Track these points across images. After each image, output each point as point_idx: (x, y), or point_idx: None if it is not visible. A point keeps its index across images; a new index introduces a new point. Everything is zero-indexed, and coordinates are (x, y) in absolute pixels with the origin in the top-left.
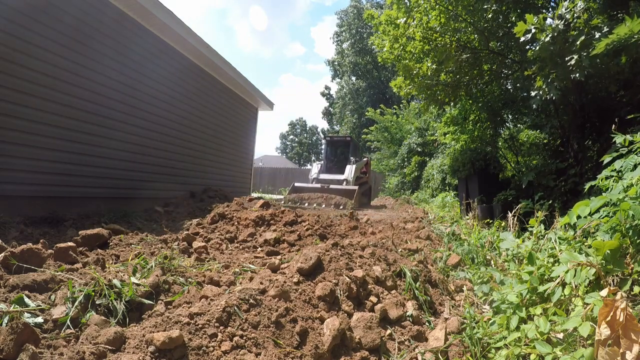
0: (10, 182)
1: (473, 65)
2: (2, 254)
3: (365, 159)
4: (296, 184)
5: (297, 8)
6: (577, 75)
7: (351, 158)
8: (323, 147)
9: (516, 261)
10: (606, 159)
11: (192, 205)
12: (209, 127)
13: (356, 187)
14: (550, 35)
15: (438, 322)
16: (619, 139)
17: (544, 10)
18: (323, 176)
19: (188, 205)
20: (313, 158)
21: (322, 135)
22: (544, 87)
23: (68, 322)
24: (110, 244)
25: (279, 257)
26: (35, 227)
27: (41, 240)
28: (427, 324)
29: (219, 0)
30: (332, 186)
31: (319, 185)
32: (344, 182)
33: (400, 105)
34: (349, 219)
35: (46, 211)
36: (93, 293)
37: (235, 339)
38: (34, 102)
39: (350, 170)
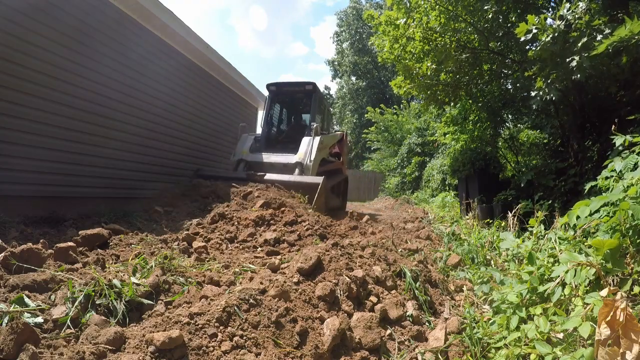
0: (10, 182)
1: (473, 65)
2: (2, 254)
3: (339, 133)
4: (204, 172)
5: (298, 8)
6: (578, 76)
7: (313, 124)
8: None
9: (516, 261)
10: (608, 164)
11: (192, 205)
12: (209, 126)
13: (320, 179)
14: (551, 36)
15: (438, 322)
16: (618, 140)
17: (544, 11)
18: (257, 156)
19: (188, 205)
20: (241, 124)
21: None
22: (544, 87)
23: (68, 322)
24: (110, 244)
25: (279, 257)
26: (35, 227)
27: (41, 240)
28: (427, 324)
29: (221, 0)
30: (270, 176)
31: (244, 175)
32: (297, 169)
33: (400, 105)
34: (349, 219)
35: (46, 211)
36: (93, 293)
37: (235, 338)
38: (34, 102)
39: (308, 146)
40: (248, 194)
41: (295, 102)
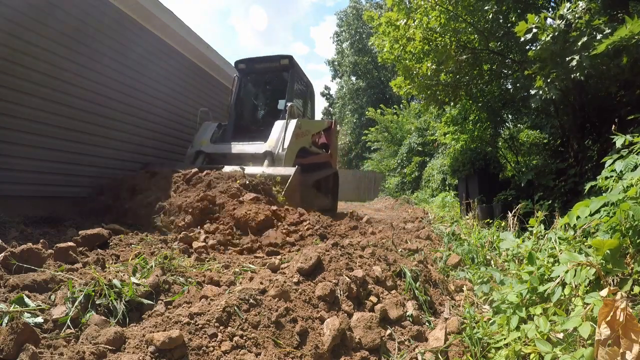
0: (10, 182)
1: (473, 65)
2: (2, 254)
3: (327, 120)
4: (153, 167)
5: (298, 8)
6: (578, 75)
7: (288, 105)
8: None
9: (516, 261)
10: (608, 161)
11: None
12: None
13: (292, 170)
14: (551, 35)
15: (438, 322)
16: (619, 140)
17: (543, 11)
18: (220, 147)
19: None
20: (201, 109)
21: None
22: (544, 86)
23: (68, 322)
24: (110, 244)
25: (279, 257)
26: (35, 227)
27: (41, 240)
28: (427, 324)
29: (223, 1)
30: (227, 169)
31: (196, 168)
32: (266, 159)
33: (400, 105)
34: (349, 219)
35: (46, 211)
36: (93, 293)
37: (235, 338)
38: (34, 102)
39: (281, 132)
40: (192, 175)
41: (269, 81)
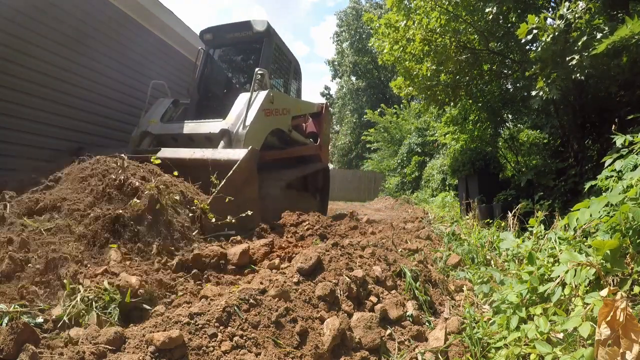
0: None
1: (473, 65)
2: None
3: (317, 103)
4: (86, 152)
5: (298, 8)
6: (578, 75)
7: (259, 71)
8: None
9: (516, 261)
10: (607, 160)
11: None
12: None
13: (241, 153)
14: (551, 36)
15: (438, 322)
16: (619, 140)
17: (543, 11)
18: (170, 127)
19: None
20: (153, 81)
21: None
22: (544, 87)
23: (68, 322)
24: None
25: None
26: None
27: None
28: (427, 324)
29: (223, 1)
30: (164, 152)
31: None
32: (222, 140)
33: (401, 105)
34: (349, 219)
35: None
36: (93, 293)
37: (235, 338)
38: (34, 102)
39: (244, 105)
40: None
41: (242, 54)
